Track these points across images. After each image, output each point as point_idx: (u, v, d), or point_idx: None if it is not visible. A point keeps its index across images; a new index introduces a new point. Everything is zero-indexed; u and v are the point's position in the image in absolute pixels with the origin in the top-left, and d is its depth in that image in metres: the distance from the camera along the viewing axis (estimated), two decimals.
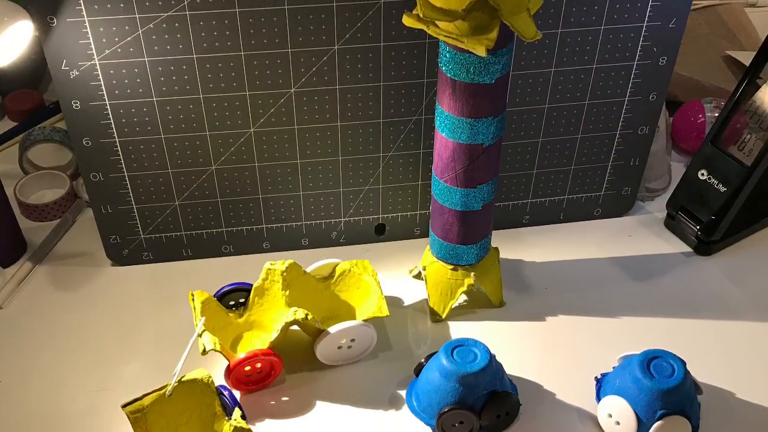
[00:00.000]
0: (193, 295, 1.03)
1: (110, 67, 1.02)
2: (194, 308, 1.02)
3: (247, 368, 0.99)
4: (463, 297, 1.15)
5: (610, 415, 0.97)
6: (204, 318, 1.00)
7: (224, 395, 0.95)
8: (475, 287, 1.10)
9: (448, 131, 0.97)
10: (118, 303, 1.14)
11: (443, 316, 1.11)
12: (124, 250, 1.19)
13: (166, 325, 1.11)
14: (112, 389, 1.03)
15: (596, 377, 1.02)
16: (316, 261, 1.09)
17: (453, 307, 1.11)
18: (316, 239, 1.22)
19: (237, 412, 0.91)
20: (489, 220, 1.07)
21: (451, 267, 1.09)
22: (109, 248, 1.19)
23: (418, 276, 1.17)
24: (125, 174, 1.11)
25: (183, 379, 0.94)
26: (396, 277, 1.18)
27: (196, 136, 1.10)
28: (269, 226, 1.20)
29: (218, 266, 1.20)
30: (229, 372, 0.98)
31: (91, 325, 1.11)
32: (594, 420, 0.99)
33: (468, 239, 1.06)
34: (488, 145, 0.98)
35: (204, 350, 0.96)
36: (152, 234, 1.18)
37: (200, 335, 0.98)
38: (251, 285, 1.07)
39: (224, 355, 0.98)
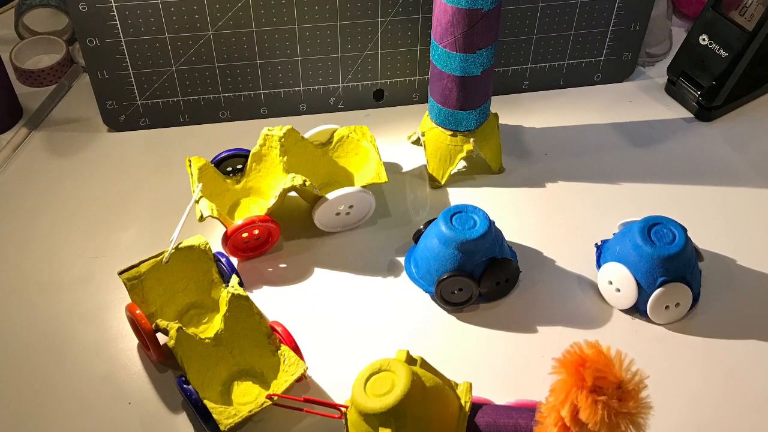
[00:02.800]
0: (190, 161, 0.95)
1: None
2: (191, 174, 0.94)
3: (245, 235, 0.91)
4: (462, 163, 1.06)
5: (611, 282, 0.90)
6: (201, 184, 0.92)
7: (221, 262, 0.88)
8: (474, 153, 1.02)
9: None
10: (114, 169, 1.06)
11: (442, 182, 1.03)
12: (121, 116, 1.10)
13: (162, 191, 1.03)
14: (108, 256, 0.96)
15: (596, 244, 0.95)
16: (314, 127, 1.01)
17: (452, 173, 1.03)
18: (314, 105, 1.14)
19: (234, 279, 0.84)
20: (488, 85, 0.99)
21: (450, 133, 1.01)
22: (105, 114, 1.10)
23: (417, 142, 1.09)
24: (122, 39, 1.03)
25: (180, 246, 0.87)
26: (395, 142, 1.09)
27: (192, 0, 1.00)
28: (267, 91, 1.11)
29: (215, 132, 1.11)
30: (226, 239, 0.91)
31: (87, 191, 1.03)
32: (594, 287, 0.93)
33: (467, 105, 0.98)
34: (487, 9, 0.90)
35: (201, 216, 0.89)
36: (149, 99, 1.09)
37: (197, 201, 0.90)
38: (249, 151, 0.98)
39: (221, 222, 0.91)
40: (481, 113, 1.00)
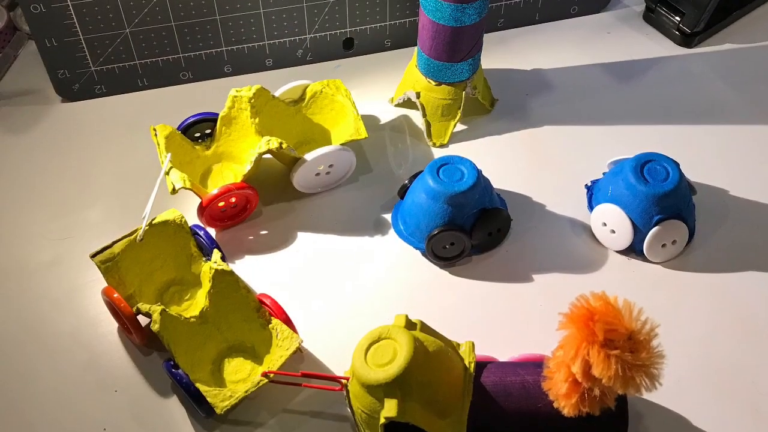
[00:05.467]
0: (155, 129, 0.92)
1: None
2: (158, 144, 0.91)
3: (221, 204, 0.89)
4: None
5: (605, 224, 0.90)
6: (170, 154, 0.89)
7: (199, 235, 0.86)
8: (471, 94, 1.01)
9: None
10: (73, 142, 1.03)
11: (446, 140, 1.02)
12: (75, 85, 1.06)
13: (128, 163, 1.00)
14: (76, 237, 0.93)
15: (586, 185, 0.94)
16: (284, 83, 0.99)
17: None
18: (280, 59, 1.11)
19: (216, 254, 0.82)
20: (482, 32, 0.98)
21: (447, 85, 1.00)
22: (57, 83, 1.06)
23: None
24: (68, 3, 0.99)
25: (153, 222, 0.84)
26: (370, 94, 1.08)
27: None
28: (229, 48, 1.08)
29: (178, 95, 1.08)
30: (202, 210, 0.89)
31: (45, 168, 1.00)
32: (587, 229, 0.93)
33: (468, 55, 0.97)
34: None
35: (174, 189, 0.86)
36: (103, 65, 1.05)
37: (167, 173, 0.88)
38: (217, 114, 0.95)
39: (195, 192, 0.88)
40: (477, 59, 1.00)
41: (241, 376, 0.80)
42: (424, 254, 0.91)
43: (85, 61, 1.05)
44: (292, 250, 0.92)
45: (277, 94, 0.97)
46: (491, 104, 1.06)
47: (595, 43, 1.15)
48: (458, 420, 0.70)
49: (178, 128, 0.95)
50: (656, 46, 1.14)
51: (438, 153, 1.01)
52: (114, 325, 0.86)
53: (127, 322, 0.80)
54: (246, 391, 0.76)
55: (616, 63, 1.12)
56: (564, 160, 1.00)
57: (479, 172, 0.88)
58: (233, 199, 0.90)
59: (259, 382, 0.76)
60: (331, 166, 0.94)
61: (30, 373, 0.83)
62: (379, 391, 0.67)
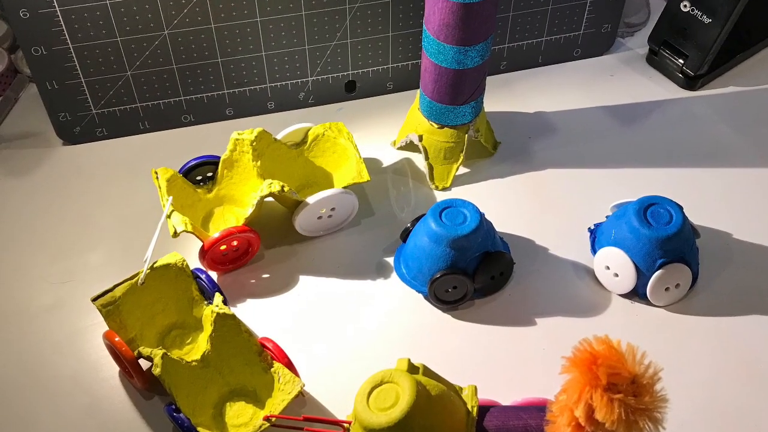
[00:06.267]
0: (156, 173, 0.95)
1: None
2: (159, 187, 0.94)
3: (223, 247, 0.92)
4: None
5: (608, 267, 0.92)
6: (171, 197, 0.92)
7: (201, 278, 0.89)
8: (475, 137, 1.04)
9: None
10: (74, 185, 1.06)
11: (449, 183, 1.04)
12: (76, 128, 1.09)
13: (129, 206, 1.03)
14: (77, 280, 0.95)
15: (589, 228, 0.97)
16: (286, 125, 1.02)
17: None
18: (282, 102, 1.14)
19: (218, 298, 0.84)
20: (485, 74, 1.01)
21: (449, 128, 1.03)
22: (59, 126, 1.09)
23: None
24: (70, 46, 1.02)
25: (155, 265, 0.87)
26: (372, 137, 1.10)
27: None
28: (231, 91, 1.11)
29: (180, 138, 1.11)
30: (203, 253, 0.91)
31: (46, 211, 1.03)
32: (590, 273, 0.95)
33: (471, 98, 1.00)
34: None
35: (175, 232, 0.89)
36: (105, 108, 1.08)
37: (169, 216, 0.90)
38: (218, 157, 0.98)
39: (197, 236, 0.91)
40: (479, 102, 1.03)
41: (242, 420, 0.82)
42: (426, 298, 0.93)
43: (87, 103, 1.08)
44: (294, 294, 0.94)
45: (279, 137, 1.00)
46: (494, 147, 1.08)
47: (598, 86, 1.18)
48: None
49: (179, 171, 0.98)
50: (660, 88, 1.17)
51: (441, 196, 1.03)
52: (115, 368, 0.88)
53: (128, 365, 0.82)
54: None
55: (620, 106, 1.15)
56: (567, 204, 1.03)
57: (482, 215, 0.90)
58: (235, 243, 0.93)
59: (261, 426, 0.78)
60: (333, 209, 0.96)
61: (31, 416, 0.84)
62: None
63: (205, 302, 0.89)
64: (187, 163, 0.99)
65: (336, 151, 1.02)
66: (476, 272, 0.90)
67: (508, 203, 1.03)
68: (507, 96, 1.16)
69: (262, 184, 0.93)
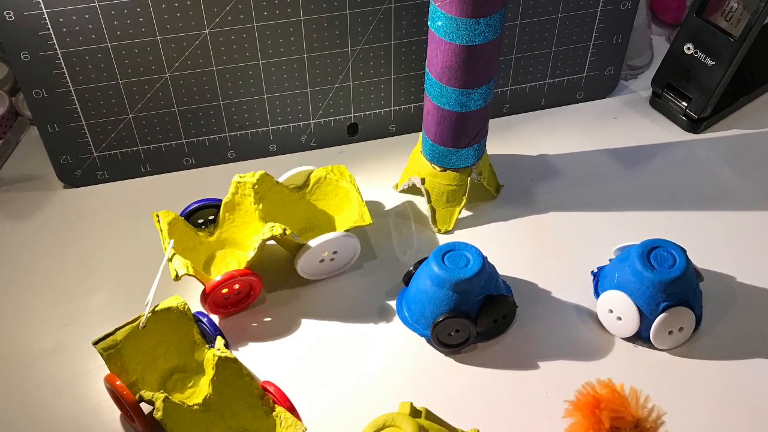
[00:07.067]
0: (158, 216, 0.98)
1: None
2: (161, 230, 0.97)
3: (225, 291, 0.94)
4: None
5: (611, 311, 0.95)
6: (173, 240, 0.94)
7: (203, 322, 0.91)
8: (478, 180, 1.07)
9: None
10: (75, 229, 1.08)
11: (451, 227, 1.07)
12: (77, 171, 1.12)
13: (130, 249, 1.05)
14: (78, 323, 0.98)
15: (593, 271, 0.99)
16: (287, 168, 1.04)
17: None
18: (284, 144, 1.17)
19: (219, 341, 0.87)
20: (488, 117, 1.04)
21: (452, 171, 1.05)
22: (60, 169, 1.12)
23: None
24: (71, 89, 1.05)
25: (156, 309, 0.89)
26: (374, 180, 1.13)
27: (145, 41, 1.03)
28: (233, 133, 1.14)
29: (181, 181, 1.14)
30: (205, 296, 0.94)
31: (48, 254, 1.05)
32: (593, 316, 0.97)
33: (474, 140, 1.02)
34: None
35: (177, 276, 0.91)
36: (106, 151, 1.11)
37: (170, 259, 0.93)
38: (220, 200, 1.01)
39: (198, 279, 0.94)
40: (482, 145, 1.05)
41: None
42: (429, 341, 0.95)
43: (88, 146, 1.10)
44: (296, 337, 0.96)
45: (281, 179, 1.03)
46: (497, 190, 1.11)
47: (601, 129, 1.20)
48: None
49: (181, 214, 1.00)
50: (663, 131, 1.20)
51: (443, 239, 1.06)
52: (117, 412, 0.90)
53: (129, 409, 0.84)
54: None
55: (623, 149, 1.17)
56: (570, 247, 1.05)
57: (484, 258, 0.92)
58: (237, 286, 0.95)
59: None
60: (335, 252, 0.99)
61: None
62: None
63: (207, 346, 0.91)
64: (189, 206, 1.01)
65: (338, 194, 1.04)
66: (479, 316, 0.92)
67: (511, 246, 1.05)
68: (510, 139, 1.19)
69: (264, 227, 0.95)
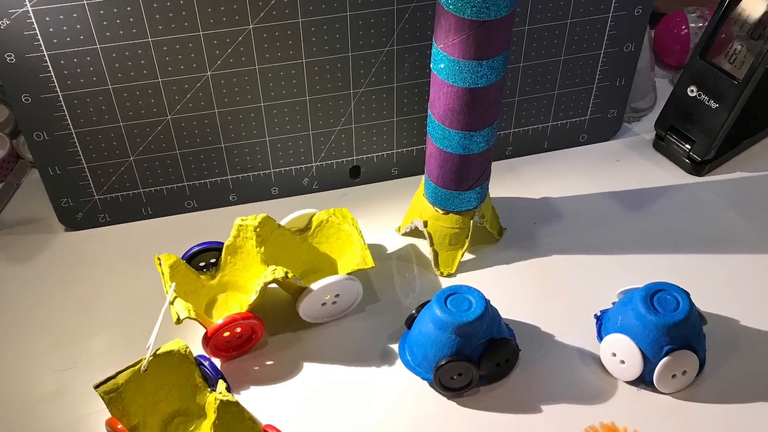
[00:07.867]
0: (159, 259, 1.00)
1: (45, 14, 0.97)
2: (162, 273, 0.99)
3: (226, 334, 0.97)
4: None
5: (614, 354, 0.96)
6: (174, 284, 0.97)
7: (204, 365, 0.93)
8: (480, 223, 1.09)
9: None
10: (76, 272, 1.10)
11: (454, 270, 1.09)
12: (78, 214, 1.14)
13: (132, 292, 1.07)
14: (80, 367, 1.00)
15: (596, 315, 1.01)
16: (289, 211, 1.07)
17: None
18: (286, 187, 1.19)
19: (221, 385, 0.89)
20: (491, 160, 1.06)
21: (455, 214, 1.08)
22: (60, 212, 1.14)
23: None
24: (72, 131, 1.07)
25: (158, 352, 0.91)
26: (377, 223, 1.15)
27: (147, 84, 1.05)
28: (235, 176, 1.16)
29: (183, 224, 1.16)
30: (207, 340, 0.96)
31: (48, 297, 1.07)
32: (596, 359, 0.99)
33: (477, 183, 1.05)
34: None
35: (178, 319, 0.93)
36: (107, 194, 1.14)
37: (172, 303, 0.95)
38: (222, 243, 1.04)
39: (200, 322, 0.96)
40: (484, 187, 1.07)
41: None
42: (431, 385, 0.96)
43: (89, 189, 1.12)
44: (298, 381, 0.98)
45: (282, 222, 1.05)
46: (499, 233, 1.13)
47: (604, 172, 1.23)
48: None
49: (182, 257, 1.02)
50: (666, 174, 1.22)
51: (446, 282, 1.08)
52: None
53: None
54: None
55: (626, 191, 1.20)
56: (573, 290, 1.07)
57: (487, 301, 0.94)
58: (238, 329, 0.97)
59: None
60: (337, 295, 1.01)
61: None
62: None
63: (209, 389, 0.93)
64: (191, 249, 1.03)
65: (340, 237, 1.07)
66: (482, 359, 0.94)
67: (514, 289, 1.07)
68: (512, 181, 1.21)
69: (266, 270, 0.97)
